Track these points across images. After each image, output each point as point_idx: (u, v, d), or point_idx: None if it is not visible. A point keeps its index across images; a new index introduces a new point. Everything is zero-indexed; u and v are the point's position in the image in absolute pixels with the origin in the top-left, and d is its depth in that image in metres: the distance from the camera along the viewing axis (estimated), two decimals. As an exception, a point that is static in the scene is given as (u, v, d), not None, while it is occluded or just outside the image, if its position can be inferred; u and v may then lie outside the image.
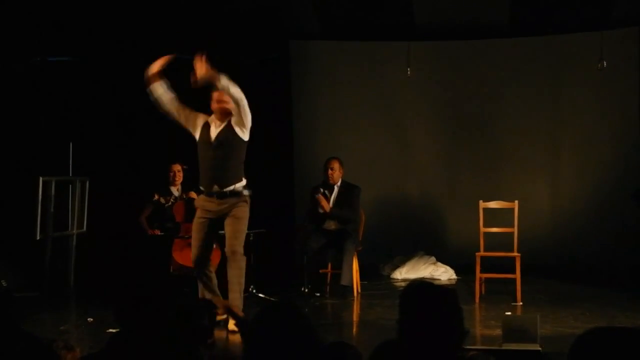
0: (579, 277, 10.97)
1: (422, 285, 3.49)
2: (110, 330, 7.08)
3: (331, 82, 12.39)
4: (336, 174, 10.12)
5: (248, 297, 9.40)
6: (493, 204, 9.96)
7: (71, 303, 10.04)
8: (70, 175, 10.74)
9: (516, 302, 9.27)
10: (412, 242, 12.02)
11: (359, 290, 10.07)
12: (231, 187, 7.72)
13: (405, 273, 11.40)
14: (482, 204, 9.89)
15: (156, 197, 10.37)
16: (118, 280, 3.70)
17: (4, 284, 9.53)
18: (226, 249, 7.75)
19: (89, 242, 11.04)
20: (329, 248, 10.12)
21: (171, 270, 9.69)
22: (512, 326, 6.74)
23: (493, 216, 10.05)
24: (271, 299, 9.33)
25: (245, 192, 7.79)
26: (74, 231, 10.79)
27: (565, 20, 11.74)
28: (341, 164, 10.18)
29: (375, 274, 11.52)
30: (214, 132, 7.75)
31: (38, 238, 10.14)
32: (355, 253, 9.90)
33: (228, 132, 7.72)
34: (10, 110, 11.60)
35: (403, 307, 3.39)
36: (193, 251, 7.82)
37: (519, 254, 9.40)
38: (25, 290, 9.69)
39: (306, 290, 9.86)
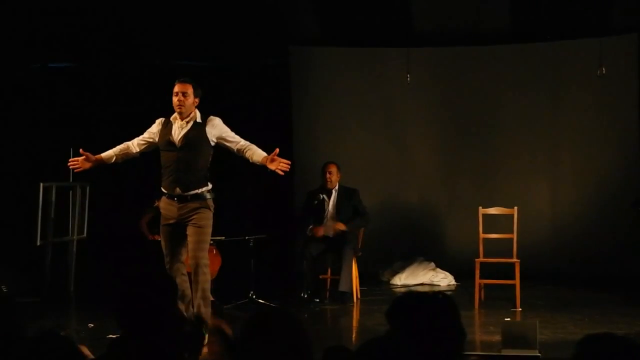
0: (578, 283, 10.98)
1: (410, 298, 3.45)
2: (111, 335, 7.09)
3: (330, 87, 12.40)
4: (334, 178, 10.17)
5: (248, 303, 9.43)
6: (492, 210, 9.98)
7: (71, 308, 10.05)
8: (71, 181, 10.74)
9: (515, 308, 9.28)
10: (412, 248, 12.03)
11: (359, 296, 10.08)
12: (193, 192, 7.40)
13: (405, 279, 11.41)
14: (482, 210, 9.91)
15: (157, 203, 10.36)
16: (119, 286, 3.69)
17: (4, 289, 9.54)
18: (190, 262, 7.41)
19: (90, 248, 11.05)
20: (328, 254, 10.14)
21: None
22: (512, 332, 6.76)
23: (492, 222, 10.06)
24: (272, 304, 9.33)
25: (208, 196, 7.45)
26: (75, 237, 10.81)
27: (564, 26, 11.76)
28: (339, 168, 10.23)
29: (375, 279, 11.53)
30: (178, 132, 7.45)
31: (38, 243, 10.16)
32: (355, 259, 9.92)
33: (196, 135, 7.45)
34: (11, 116, 11.62)
35: (393, 323, 3.35)
36: (165, 262, 7.45)
37: (519, 260, 9.42)
38: (25, 295, 9.69)
39: (305, 296, 9.88)
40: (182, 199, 7.40)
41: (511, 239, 9.68)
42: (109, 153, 7.65)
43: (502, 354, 6.69)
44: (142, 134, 7.69)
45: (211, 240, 9.72)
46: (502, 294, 9.80)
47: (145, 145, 7.66)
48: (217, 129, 7.51)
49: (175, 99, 7.44)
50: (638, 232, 10.77)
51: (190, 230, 7.40)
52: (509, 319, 8.32)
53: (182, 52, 11.91)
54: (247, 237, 9.64)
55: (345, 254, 9.84)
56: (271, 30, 11.93)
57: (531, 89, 12.16)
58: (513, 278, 9.35)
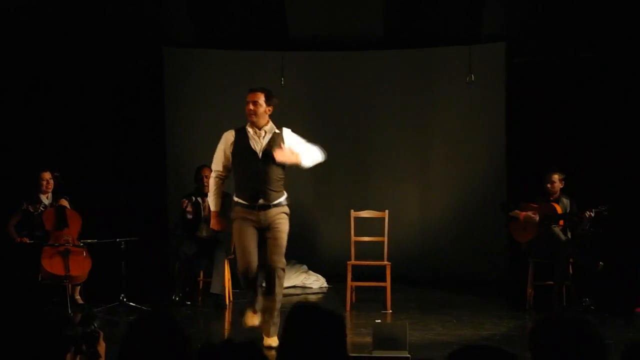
0: (447, 286, 11.18)
1: (308, 308, 3.46)
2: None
3: (205, 90, 12.32)
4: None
5: (118, 306, 9.31)
6: (364, 213, 10.10)
7: None
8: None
9: (386, 309, 9.42)
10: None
11: (231, 299, 10.06)
12: (275, 201, 7.52)
13: (278, 281, 11.43)
14: (354, 213, 10.02)
15: (25, 205, 10.11)
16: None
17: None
18: (266, 264, 7.51)
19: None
20: (200, 256, 10.09)
21: (39, 279, 9.49)
22: (382, 333, 6.85)
23: (364, 225, 10.18)
24: (143, 307, 9.25)
25: (285, 203, 7.61)
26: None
27: (436, 34, 11.96)
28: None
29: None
30: (258, 142, 7.60)
31: None
32: (227, 261, 9.90)
33: (276, 144, 7.58)
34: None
35: (288, 328, 3.36)
36: (243, 261, 7.49)
37: (389, 263, 9.56)
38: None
39: (177, 298, 9.83)
40: (264, 208, 7.51)
41: (382, 242, 9.81)
42: (217, 202, 7.78)
43: (372, 355, 6.78)
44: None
45: (81, 242, 9.63)
46: (373, 296, 9.94)
47: (228, 167, 7.75)
48: (292, 138, 7.73)
49: (247, 108, 7.70)
50: (505, 235, 11.02)
51: (269, 234, 7.52)
52: (379, 321, 8.42)
53: (55, 51, 11.67)
54: (118, 240, 9.52)
55: (217, 255, 9.82)
56: (145, 31, 11.80)
57: (403, 95, 12.32)
58: (384, 280, 9.48)
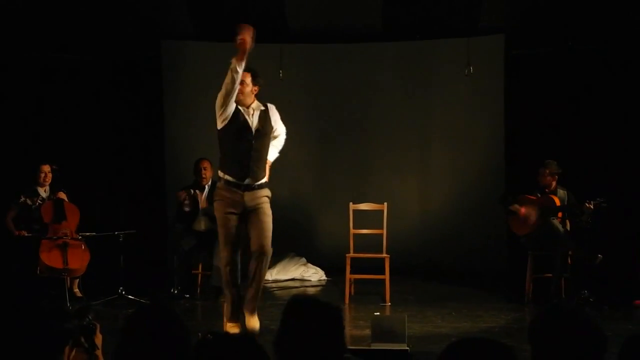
0: (446, 278, 11.18)
1: (305, 301, 3.47)
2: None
3: (204, 82, 12.27)
4: (208, 174, 10.17)
5: (117, 299, 9.31)
6: (363, 206, 10.09)
7: None
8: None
9: (385, 302, 9.42)
10: (283, 243, 12.03)
11: (230, 292, 10.06)
12: (260, 181, 7.59)
13: (276, 274, 11.42)
14: (352, 206, 10.01)
15: (23, 198, 10.10)
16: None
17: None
18: (255, 249, 7.53)
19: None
20: (199, 249, 10.08)
21: (38, 272, 9.48)
22: (381, 326, 6.86)
23: (363, 218, 10.17)
24: (141, 300, 9.25)
25: (267, 185, 7.69)
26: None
27: (434, 26, 11.95)
28: (211, 163, 10.21)
29: (246, 275, 11.48)
30: (250, 119, 7.53)
31: None
32: (226, 253, 9.89)
33: (266, 121, 7.60)
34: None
35: (285, 321, 3.36)
36: (226, 250, 7.53)
37: (388, 255, 9.56)
38: None
39: (176, 291, 9.82)
40: (250, 188, 7.53)
41: (381, 235, 9.81)
42: None
43: (371, 347, 6.78)
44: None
45: (80, 235, 9.62)
46: (372, 289, 9.92)
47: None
48: (276, 115, 7.73)
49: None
50: (504, 228, 11.01)
51: (256, 218, 7.54)
52: (378, 314, 8.42)
53: (53, 44, 11.65)
54: (116, 233, 9.51)
55: (215, 247, 9.81)
56: (143, 24, 11.78)
57: (402, 87, 12.31)
58: (383, 273, 9.48)
